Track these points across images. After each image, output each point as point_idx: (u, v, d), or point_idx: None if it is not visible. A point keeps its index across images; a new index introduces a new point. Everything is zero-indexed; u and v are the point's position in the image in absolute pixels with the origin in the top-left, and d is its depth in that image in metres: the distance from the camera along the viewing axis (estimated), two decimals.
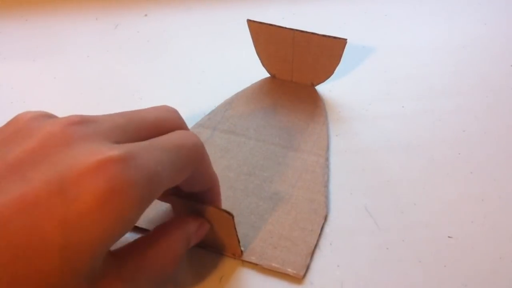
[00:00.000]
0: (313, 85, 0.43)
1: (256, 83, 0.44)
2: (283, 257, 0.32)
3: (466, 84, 0.44)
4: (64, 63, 0.40)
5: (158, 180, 0.22)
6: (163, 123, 0.26)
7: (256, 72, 0.45)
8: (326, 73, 0.42)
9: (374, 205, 0.35)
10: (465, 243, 0.33)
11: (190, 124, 0.40)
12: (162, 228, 0.27)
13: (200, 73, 0.46)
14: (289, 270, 0.31)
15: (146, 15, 0.53)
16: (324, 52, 0.40)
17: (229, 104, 0.42)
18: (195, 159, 0.26)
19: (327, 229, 0.34)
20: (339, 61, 0.40)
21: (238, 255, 0.32)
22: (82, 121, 0.22)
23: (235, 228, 0.29)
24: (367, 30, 0.51)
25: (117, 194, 0.19)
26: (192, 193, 0.29)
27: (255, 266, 0.31)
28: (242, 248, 0.32)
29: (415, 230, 0.33)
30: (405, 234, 0.33)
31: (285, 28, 0.40)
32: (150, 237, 0.26)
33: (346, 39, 0.38)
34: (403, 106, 0.42)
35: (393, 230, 0.33)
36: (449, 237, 0.33)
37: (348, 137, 0.40)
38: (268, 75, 0.45)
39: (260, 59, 0.44)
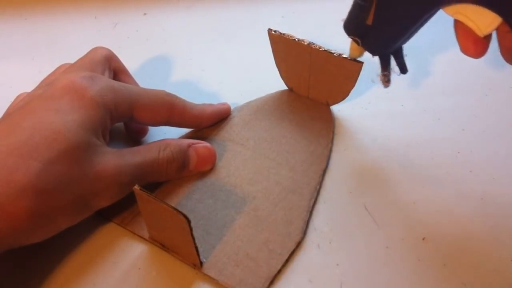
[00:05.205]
0: (328, 105, 0.41)
1: (272, 93, 0.42)
2: (242, 277, 0.30)
3: (465, 83, 0.44)
4: (63, 62, 0.40)
5: (116, 90, 0.33)
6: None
7: (255, 72, 0.45)
8: (341, 94, 0.39)
9: (373, 204, 0.35)
10: (465, 243, 0.33)
11: None
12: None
13: (200, 72, 0.46)
14: None
15: (145, 13, 0.53)
16: (339, 73, 0.38)
17: (238, 111, 0.41)
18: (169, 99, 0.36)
19: (326, 228, 0.34)
20: (354, 83, 0.38)
21: (197, 266, 0.31)
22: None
23: (192, 235, 0.28)
24: None
25: (74, 85, 0.31)
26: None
27: (216, 281, 0.30)
28: (204, 260, 0.31)
29: (414, 229, 0.33)
30: (404, 233, 0.33)
31: (303, 43, 0.38)
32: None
33: (362, 62, 0.36)
34: (402, 105, 0.42)
35: (392, 229, 0.33)
36: (448, 236, 0.33)
37: (347, 136, 0.40)
38: (284, 86, 0.43)
39: (278, 70, 0.42)
